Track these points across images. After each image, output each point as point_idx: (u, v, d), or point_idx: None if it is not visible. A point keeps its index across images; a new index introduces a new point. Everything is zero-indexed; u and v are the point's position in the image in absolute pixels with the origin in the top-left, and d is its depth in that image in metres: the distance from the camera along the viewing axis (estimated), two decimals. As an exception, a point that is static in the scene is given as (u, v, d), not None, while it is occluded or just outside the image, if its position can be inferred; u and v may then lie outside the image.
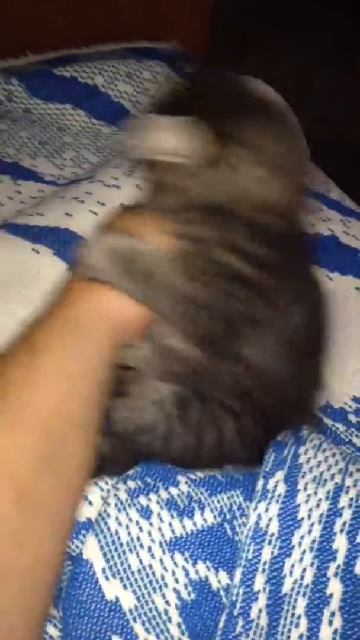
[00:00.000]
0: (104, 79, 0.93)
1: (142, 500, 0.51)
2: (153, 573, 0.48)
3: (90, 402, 0.50)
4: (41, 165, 0.84)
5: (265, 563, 0.49)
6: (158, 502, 0.51)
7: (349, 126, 1.57)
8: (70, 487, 0.49)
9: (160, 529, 0.50)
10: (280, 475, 0.51)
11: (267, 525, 0.49)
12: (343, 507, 0.50)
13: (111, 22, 1.17)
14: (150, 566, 0.48)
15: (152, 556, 0.49)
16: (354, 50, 1.62)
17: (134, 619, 0.48)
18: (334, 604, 0.47)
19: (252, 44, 1.73)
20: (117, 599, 0.48)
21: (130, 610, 0.47)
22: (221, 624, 0.48)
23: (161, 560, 0.49)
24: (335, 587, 0.48)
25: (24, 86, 0.92)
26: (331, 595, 0.48)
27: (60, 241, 0.68)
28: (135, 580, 0.48)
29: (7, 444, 0.45)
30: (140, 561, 0.48)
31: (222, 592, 0.49)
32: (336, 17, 1.63)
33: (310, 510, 0.50)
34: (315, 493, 0.50)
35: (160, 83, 0.96)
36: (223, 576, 0.49)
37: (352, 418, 0.65)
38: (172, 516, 0.50)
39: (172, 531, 0.50)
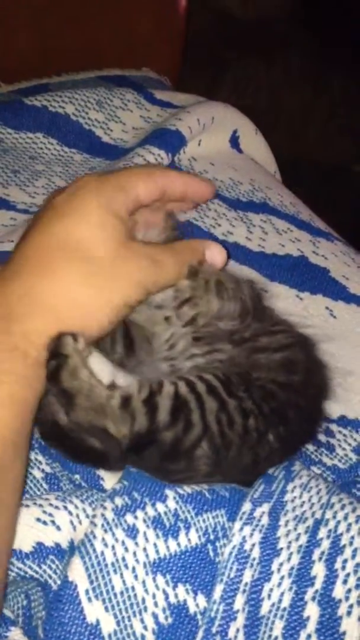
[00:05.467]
0: (75, 108, 0.94)
1: (129, 518, 0.50)
2: (135, 595, 0.48)
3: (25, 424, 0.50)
4: (13, 193, 0.84)
5: (246, 584, 0.49)
6: (144, 521, 0.50)
7: (323, 146, 1.59)
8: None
9: (145, 549, 0.49)
10: (266, 507, 0.52)
11: (251, 549, 0.50)
12: (322, 538, 0.51)
13: (83, 50, 1.19)
14: (133, 588, 0.48)
15: (136, 577, 0.48)
16: (326, 71, 1.65)
17: (113, 645, 0.47)
18: (311, 626, 0.48)
19: (225, 67, 1.75)
20: (98, 622, 0.46)
21: (109, 635, 0.46)
22: (198, 641, 0.47)
23: (144, 582, 0.48)
24: (312, 611, 0.48)
25: (-5, 116, 0.93)
26: (308, 618, 0.48)
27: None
28: (117, 602, 0.47)
29: None
30: (124, 582, 0.48)
31: (199, 617, 0.49)
32: (308, 39, 1.67)
33: (290, 542, 0.51)
34: (295, 529, 0.51)
35: (131, 110, 0.98)
36: (201, 600, 0.49)
37: (322, 437, 0.66)
38: (157, 536, 0.50)
39: (157, 552, 0.49)
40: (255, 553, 0.50)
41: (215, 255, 0.63)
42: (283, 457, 0.59)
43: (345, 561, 0.49)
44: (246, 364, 0.60)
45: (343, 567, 0.49)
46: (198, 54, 1.56)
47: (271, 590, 0.49)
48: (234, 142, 0.97)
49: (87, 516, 0.52)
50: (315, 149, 1.53)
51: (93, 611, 0.47)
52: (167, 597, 0.48)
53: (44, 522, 0.51)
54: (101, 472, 0.59)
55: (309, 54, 1.58)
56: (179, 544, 0.50)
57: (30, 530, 0.50)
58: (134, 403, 0.53)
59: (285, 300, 0.76)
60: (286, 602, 0.49)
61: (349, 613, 0.48)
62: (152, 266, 0.56)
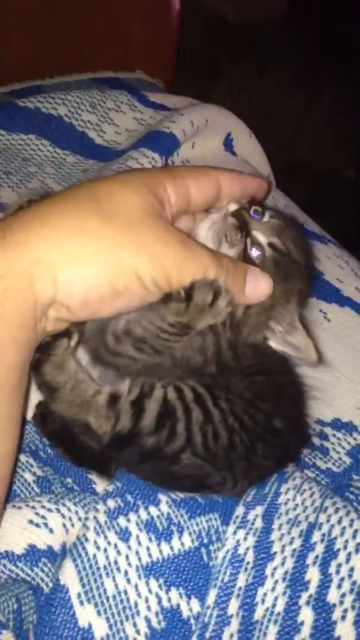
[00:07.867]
0: (68, 109, 0.93)
1: (122, 521, 0.49)
2: (127, 599, 0.47)
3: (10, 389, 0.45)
4: (5, 195, 0.83)
5: (240, 589, 0.48)
6: (137, 524, 0.49)
7: (315, 151, 1.59)
8: None
9: (137, 552, 0.48)
10: (259, 510, 0.52)
11: (245, 553, 0.49)
12: (316, 542, 0.50)
13: (76, 52, 1.19)
14: (125, 592, 0.47)
15: (128, 581, 0.47)
16: (319, 77, 1.66)
17: (105, 648, 0.46)
18: (305, 631, 0.47)
19: (219, 72, 1.76)
20: (90, 626, 0.46)
21: (102, 639, 0.46)
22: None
23: (136, 585, 0.48)
24: (306, 615, 0.48)
25: (-13, 118, 0.92)
26: (302, 623, 0.48)
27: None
28: (110, 606, 0.47)
29: None
30: (116, 586, 0.47)
31: (192, 621, 0.48)
32: (301, 45, 1.68)
33: (284, 546, 0.50)
34: (289, 532, 0.51)
35: (125, 112, 0.97)
36: (195, 603, 0.48)
37: (316, 441, 0.66)
38: (150, 539, 0.49)
39: (149, 555, 0.49)
40: (249, 557, 0.49)
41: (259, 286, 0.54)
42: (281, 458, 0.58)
43: (339, 565, 0.49)
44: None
45: (337, 571, 0.49)
46: (191, 60, 1.56)
47: (265, 594, 0.49)
48: (228, 145, 0.97)
49: (80, 519, 0.51)
50: (308, 154, 1.53)
51: (85, 615, 0.46)
52: (160, 600, 0.48)
53: (37, 525, 0.50)
54: (93, 476, 0.59)
55: (302, 60, 1.59)
56: (172, 548, 0.49)
57: (23, 532, 0.50)
58: (122, 403, 0.52)
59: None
60: (280, 606, 0.48)
61: (343, 617, 0.47)
62: (179, 246, 0.48)
